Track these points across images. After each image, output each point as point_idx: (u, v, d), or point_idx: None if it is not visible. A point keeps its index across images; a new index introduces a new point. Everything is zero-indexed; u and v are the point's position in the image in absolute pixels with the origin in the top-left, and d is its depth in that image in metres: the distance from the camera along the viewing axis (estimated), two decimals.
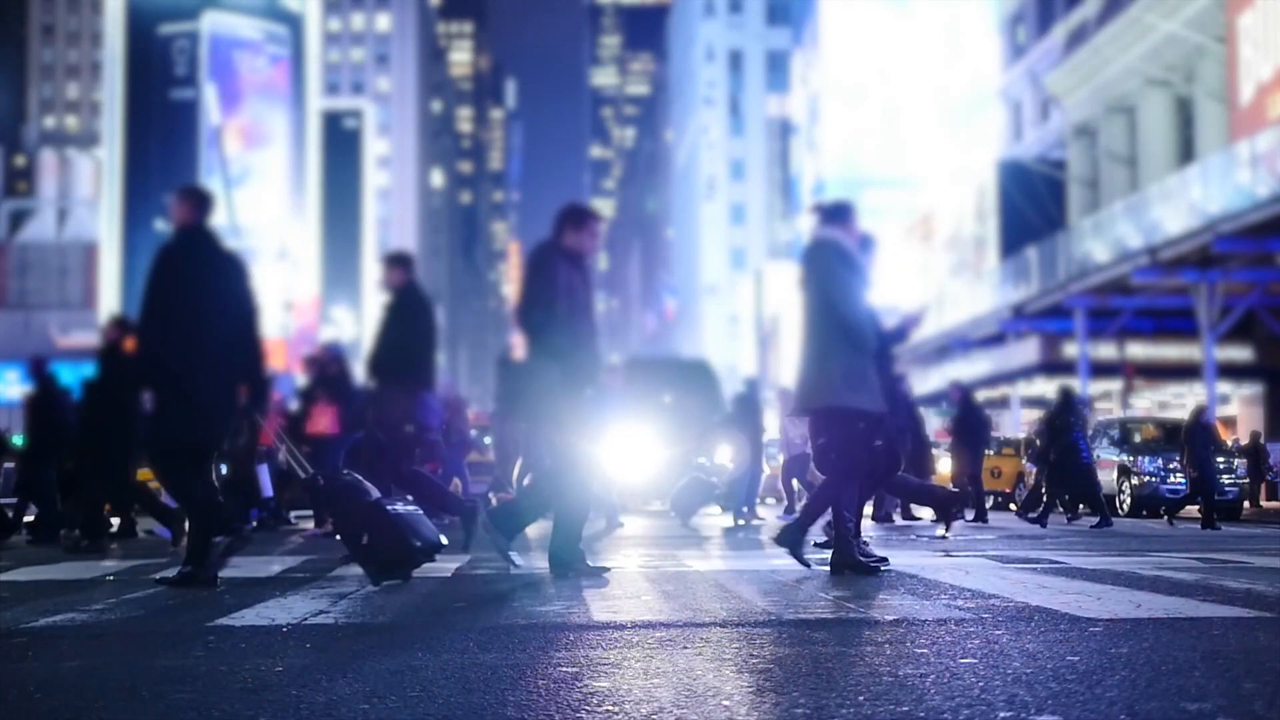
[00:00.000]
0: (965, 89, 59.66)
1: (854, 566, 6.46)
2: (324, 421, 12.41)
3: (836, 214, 6.72)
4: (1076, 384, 29.98)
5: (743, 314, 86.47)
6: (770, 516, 16.01)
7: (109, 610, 5.23)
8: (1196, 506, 16.47)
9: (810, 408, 6.60)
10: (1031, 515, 14.69)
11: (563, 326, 6.45)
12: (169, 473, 6.60)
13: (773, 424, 18.79)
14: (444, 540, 6.83)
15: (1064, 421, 14.82)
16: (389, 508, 6.46)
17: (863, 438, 6.53)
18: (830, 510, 6.76)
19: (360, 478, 6.95)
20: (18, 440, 16.08)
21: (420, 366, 8.10)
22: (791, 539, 6.73)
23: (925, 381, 40.78)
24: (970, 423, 15.88)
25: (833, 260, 6.52)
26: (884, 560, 6.77)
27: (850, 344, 6.40)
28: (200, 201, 6.58)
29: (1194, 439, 15.39)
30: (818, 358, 6.49)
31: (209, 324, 6.31)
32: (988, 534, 11.76)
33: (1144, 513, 18.26)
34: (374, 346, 8.22)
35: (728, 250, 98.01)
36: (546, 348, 6.48)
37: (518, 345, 7.04)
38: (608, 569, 6.71)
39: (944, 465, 18.29)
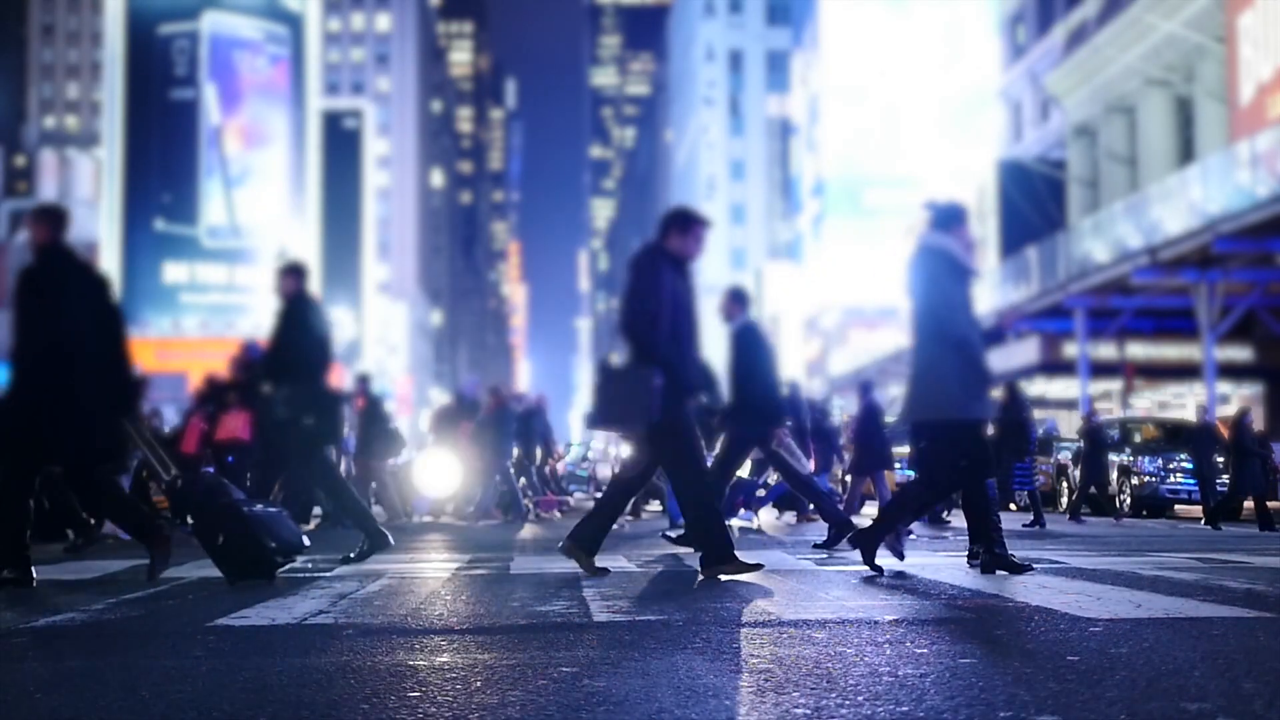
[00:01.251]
0: (965, 89, 59.66)
1: (1008, 567, 6.44)
2: (235, 427, 12.33)
3: (949, 218, 6.59)
4: (1076, 384, 30.00)
5: None
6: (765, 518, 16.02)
7: (109, 610, 5.23)
8: (1200, 506, 16.46)
9: (926, 418, 6.51)
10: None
11: (667, 334, 6.37)
12: (76, 486, 6.94)
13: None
14: (306, 542, 6.93)
15: (1013, 419, 14.65)
16: (246, 509, 6.58)
17: (973, 446, 6.49)
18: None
19: (224, 480, 7.13)
20: None
21: (309, 368, 8.18)
22: (865, 542, 6.64)
23: None
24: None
25: (941, 270, 6.42)
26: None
27: (960, 353, 6.33)
28: (56, 220, 6.75)
29: (1240, 439, 15.22)
30: (929, 367, 6.41)
31: (77, 340, 6.46)
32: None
33: (1144, 513, 18.27)
34: (266, 351, 8.36)
35: (728, 250, 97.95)
36: (650, 355, 6.38)
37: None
38: (760, 564, 6.57)
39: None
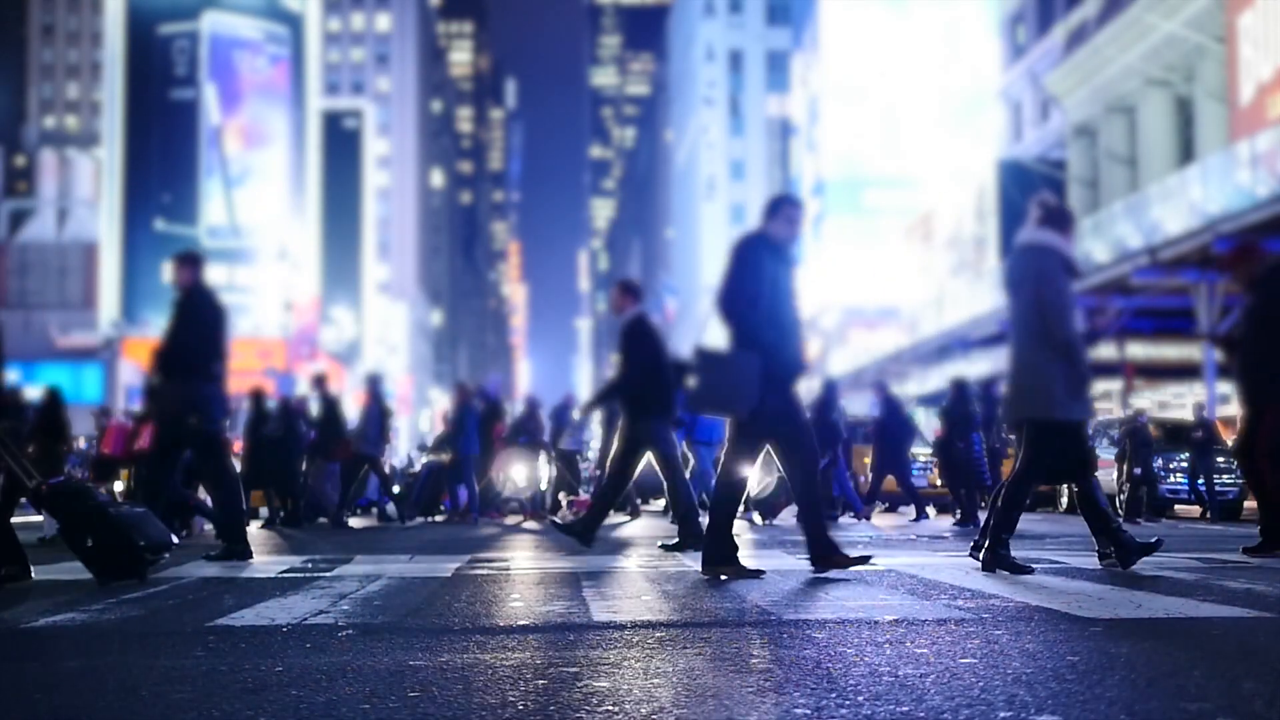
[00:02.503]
0: (965, 89, 59.67)
1: (1139, 550, 6.49)
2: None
3: (1061, 218, 6.55)
4: None
5: None
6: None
7: (109, 610, 5.23)
8: (1201, 507, 16.44)
9: (1027, 418, 6.47)
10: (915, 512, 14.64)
11: (766, 318, 6.34)
12: None
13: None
14: (175, 539, 6.98)
15: (963, 413, 14.62)
16: (112, 510, 6.65)
17: (1074, 447, 6.46)
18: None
19: (89, 483, 7.20)
20: None
21: (203, 361, 8.17)
22: (997, 561, 6.56)
23: (925, 382, 40.80)
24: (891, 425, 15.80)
25: (1052, 268, 6.37)
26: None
27: (1066, 353, 6.30)
28: None
29: None
30: (1032, 366, 6.38)
31: None
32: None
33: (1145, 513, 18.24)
34: (161, 343, 8.32)
35: (728, 250, 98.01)
36: (749, 340, 6.33)
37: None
38: (762, 571, 6.51)
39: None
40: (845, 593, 5.56)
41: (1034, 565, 6.72)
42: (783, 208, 6.65)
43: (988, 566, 6.48)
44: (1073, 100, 40.12)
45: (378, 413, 16.04)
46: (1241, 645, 3.77)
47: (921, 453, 18.45)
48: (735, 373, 6.31)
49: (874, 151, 63.20)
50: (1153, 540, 6.69)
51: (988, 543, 6.55)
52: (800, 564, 7.40)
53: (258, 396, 15.76)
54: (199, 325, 8.21)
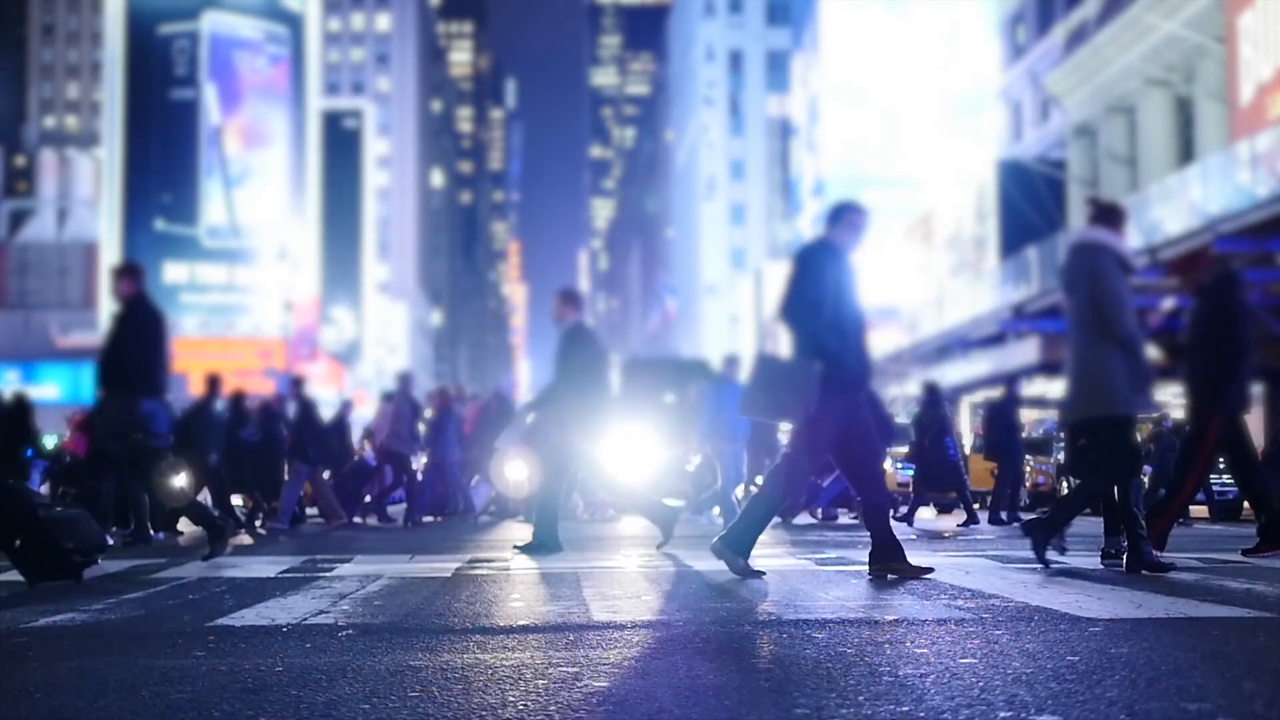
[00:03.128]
0: (965, 89, 59.68)
1: (1150, 567, 6.48)
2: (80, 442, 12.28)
3: (1112, 215, 6.55)
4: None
5: (743, 314, 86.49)
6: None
7: (109, 610, 5.23)
8: (1204, 507, 16.40)
9: (1089, 415, 6.46)
10: (899, 514, 14.59)
11: (829, 324, 6.30)
12: None
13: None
14: (109, 541, 7.01)
15: (932, 418, 14.63)
16: (42, 513, 6.70)
17: (1123, 442, 6.46)
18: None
19: (24, 485, 7.25)
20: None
21: (146, 374, 8.16)
22: (1037, 534, 6.65)
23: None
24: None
25: (1109, 267, 6.37)
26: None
27: (1125, 349, 6.30)
28: None
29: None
30: (1092, 363, 6.37)
31: None
32: (988, 534, 11.76)
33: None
34: (102, 355, 8.29)
35: (728, 250, 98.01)
36: (812, 346, 6.30)
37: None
38: (763, 572, 6.47)
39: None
40: (845, 593, 5.56)
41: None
42: (846, 213, 6.61)
43: (1132, 569, 6.50)
44: (1073, 100, 40.11)
45: (410, 411, 15.91)
46: (1241, 645, 3.78)
47: (900, 452, 18.40)
48: (794, 379, 6.27)
49: (874, 151, 63.19)
50: (1166, 563, 6.66)
51: (1128, 545, 6.59)
52: (801, 564, 7.41)
53: (237, 399, 15.63)
54: (140, 337, 8.18)
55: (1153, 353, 6.70)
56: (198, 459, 13.85)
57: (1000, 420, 14.91)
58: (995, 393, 37.53)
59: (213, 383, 14.64)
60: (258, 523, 14.83)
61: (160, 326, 8.29)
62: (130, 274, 8.35)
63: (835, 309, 6.32)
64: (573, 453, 8.92)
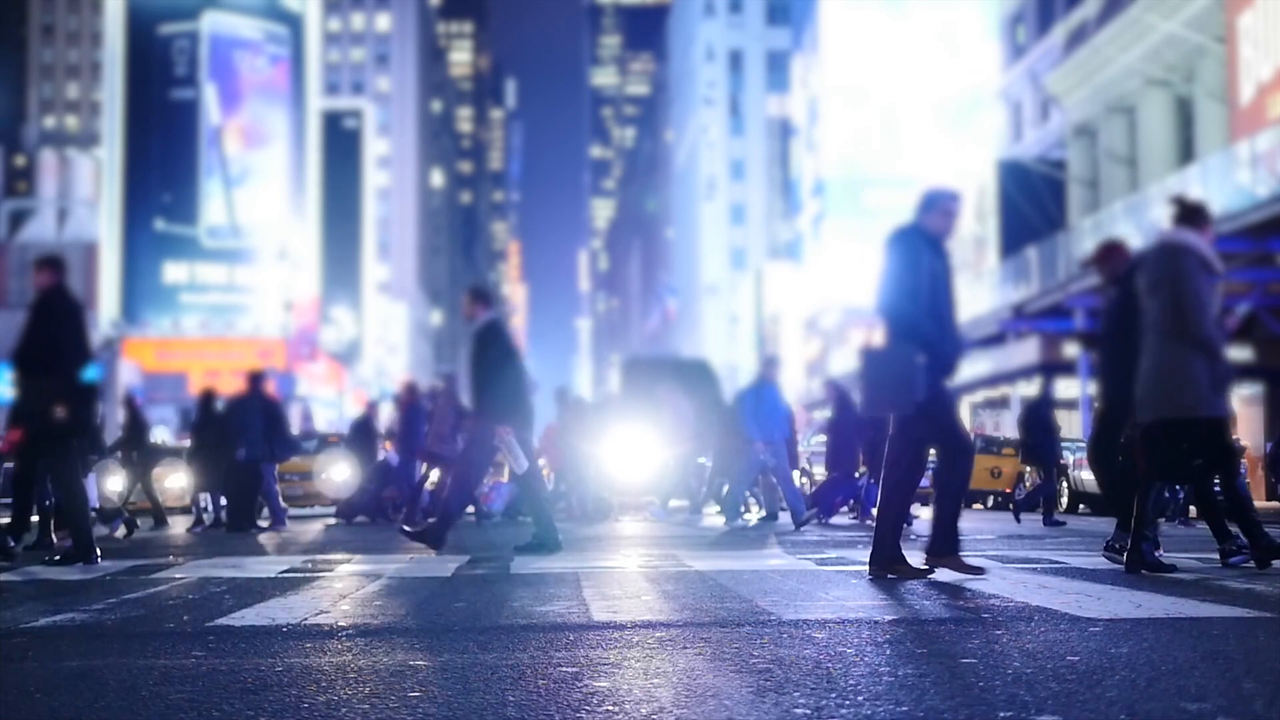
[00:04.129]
0: (964, 90, 59.71)
1: (1150, 567, 6.50)
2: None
3: (1197, 216, 6.49)
4: (1077, 384, 29.97)
5: (743, 314, 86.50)
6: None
7: (109, 610, 5.23)
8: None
9: (1168, 417, 6.41)
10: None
11: (927, 312, 6.22)
12: None
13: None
14: (12, 543, 7.05)
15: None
16: None
17: (1217, 444, 6.45)
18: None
19: None
20: None
21: (63, 359, 8.22)
22: (1134, 560, 6.60)
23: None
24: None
25: (1193, 269, 6.31)
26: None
27: (1206, 351, 6.27)
28: None
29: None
30: (1172, 365, 6.33)
31: None
32: (987, 534, 11.76)
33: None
34: (18, 344, 8.37)
35: (728, 250, 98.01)
36: (910, 335, 6.21)
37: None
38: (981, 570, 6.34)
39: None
40: (845, 593, 5.57)
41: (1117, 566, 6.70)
42: (940, 200, 6.51)
43: (1131, 568, 6.51)
44: (1073, 100, 40.11)
45: (454, 412, 15.74)
46: (1241, 645, 3.77)
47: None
48: (900, 368, 6.18)
49: (874, 152, 63.23)
50: (1168, 564, 6.67)
51: (1129, 544, 6.60)
52: (801, 564, 7.41)
53: (207, 398, 15.55)
54: (55, 326, 8.27)
55: (1233, 354, 6.64)
56: (228, 453, 13.98)
57: (1036, 422, 14.69)
58: (995, 393, 37.57)
59: (254, 379, 14.73)
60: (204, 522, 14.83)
61: (79, 316, 8.43)
62: (50, 266, 8.54)
63: (931, 296, 6.24)
64: (485, 440, 9.04)
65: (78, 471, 8.48)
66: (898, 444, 6.34)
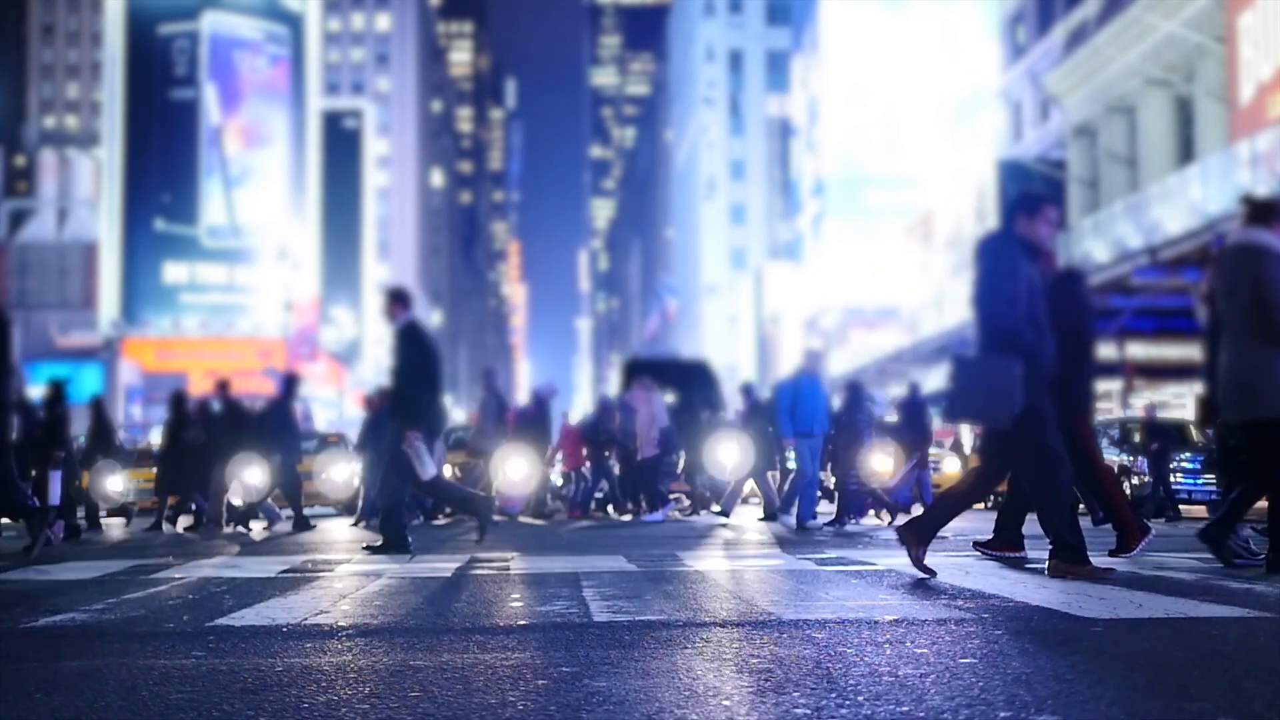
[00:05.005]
0: (964, 90, 59.72)
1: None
2: None
3: (1270, 213, 6.40)
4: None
5: (743, 314, 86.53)
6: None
7: (109, 610, 5.23)
8: (1205, 506, 16.39)
9: (1256, 417, 6.34)
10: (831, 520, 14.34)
11: (1025, 319, 6.10)
12: None
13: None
14: None
15: (851, 419, 14.41)
16: None
17: None
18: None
19: None
20: None
21: None
22: (1215, 536, 6.68)
23: (926, 382, 40.77)
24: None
25: (1273, 270, 6.22)
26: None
27: None
28: None
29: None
30: (1253, 366, 6.27)
31: None
32: (988, 534, 11.73)
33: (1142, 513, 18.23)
34: None
35: (728, 250, 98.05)
36: (1009, 342, 6.09)
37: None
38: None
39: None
40: (845, 593, 5.56)
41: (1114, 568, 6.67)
42: (1042, 209, 6.39)
43: (1217, 550, 6.58)
44: (1073, 100, 40.12)
45: (496, 407, 15.66)
46: (1241, 645, 3.77)
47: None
48: (997, 379, 6.05)
49: (874, 152, 63.25)
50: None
51: (1218, 521, 6.64)
52: (801, 564, 7.40)
53: (178, 400, 15.49)
54: None
55: None
56: (266, 456, 14.01)
57: None
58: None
59: (290, 381, 14.80)
60: (180, 521, 14.78)
61: (4, 329, 8.52)
62: None
63: (1029, 304, 6.14)
64: (403, 441, 9.14)
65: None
66: (1020, 452, 6.24)
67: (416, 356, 9.14)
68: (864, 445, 13.44)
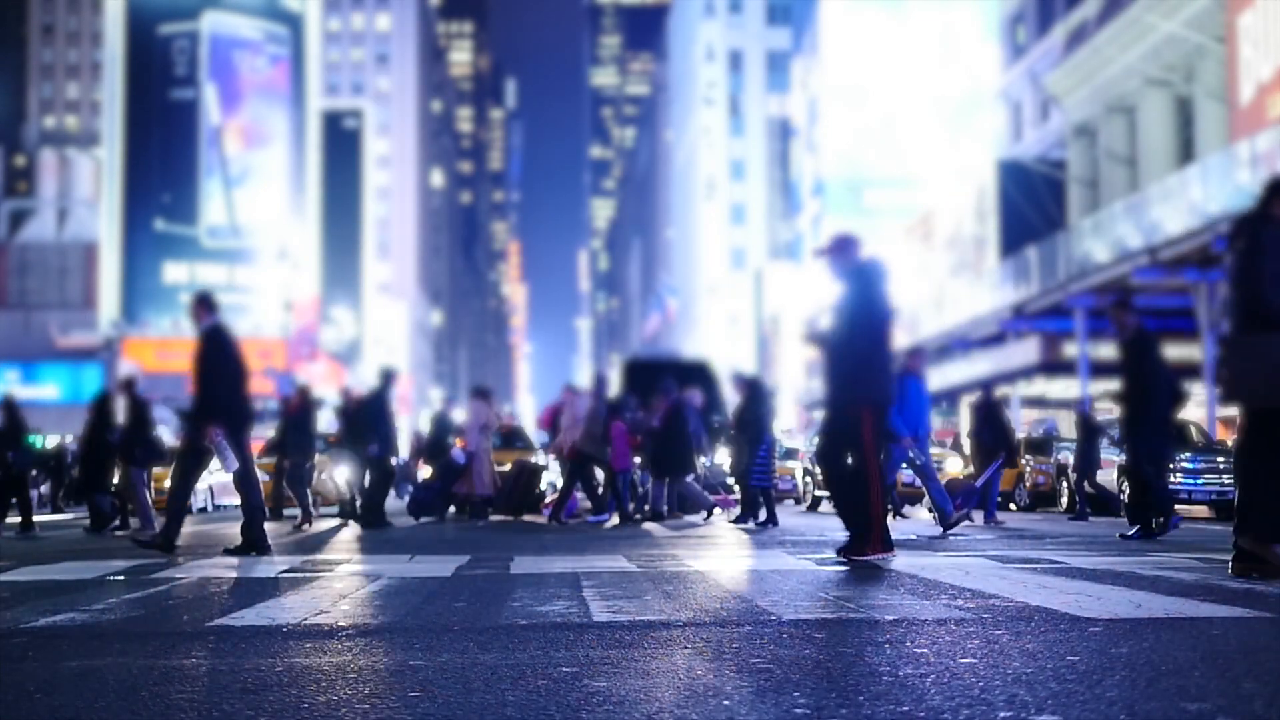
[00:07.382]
0: (964, 90, 59.74)
1: None
2: None
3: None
4: (1076, 384, 29.98)
5: (743, 314, 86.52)
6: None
7: (109, 610, 5.23)
8: (1206, 506, 16.42)
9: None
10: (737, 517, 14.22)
11: None
12: None
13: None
14: None
15: (753, 415, 14.31)
16: None
17: None
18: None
19: None
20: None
21: None
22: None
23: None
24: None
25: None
26: None
27: None
28: None
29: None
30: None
31: None
32: (988, 534, 11.75)
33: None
34: None
35: (728, 250, 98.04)
36: (1271, 320, 5.88)
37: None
38: None
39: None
40: (845, 593, 5.56)
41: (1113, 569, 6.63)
42: None
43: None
44: (1073, 100, 40.12)
45: (604, 412, 15.27)
46: (1241, 645, 3.77)
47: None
48: (1277, 356, 5.92)
49: (874, 152, 63.25)
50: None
51: None
52: (801, 564, 7.40)
53: (103, 401, 15.31)
54: None
55: None
56: (359, 448, 14.22)
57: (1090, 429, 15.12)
58: (995, 393, 37.51)
59: (387, 376, 14.97)
60: (116, 524, 14.75)
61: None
62: None
63: None
64: (210, 443, 9.44)
65: None
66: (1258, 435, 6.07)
67: (217, 358, 9.49)
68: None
